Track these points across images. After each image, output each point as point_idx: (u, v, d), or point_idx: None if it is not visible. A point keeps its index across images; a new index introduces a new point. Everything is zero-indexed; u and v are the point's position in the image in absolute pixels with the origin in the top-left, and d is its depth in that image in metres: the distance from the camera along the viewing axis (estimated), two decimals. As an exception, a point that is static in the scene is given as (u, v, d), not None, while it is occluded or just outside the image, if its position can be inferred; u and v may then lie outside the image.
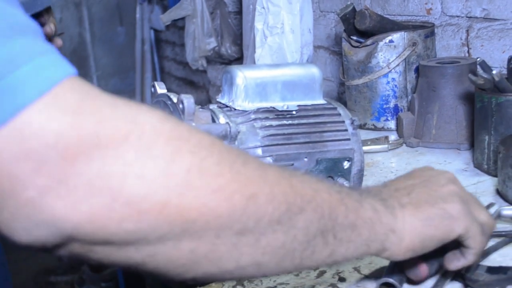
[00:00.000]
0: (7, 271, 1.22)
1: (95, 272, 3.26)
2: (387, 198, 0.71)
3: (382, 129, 1.70)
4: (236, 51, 2.91)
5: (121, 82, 5.19)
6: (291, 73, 1.03)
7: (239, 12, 2.95)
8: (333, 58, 2.37)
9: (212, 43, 2.89)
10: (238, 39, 2.92)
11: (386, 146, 1.51)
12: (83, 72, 5.07)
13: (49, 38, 1.24)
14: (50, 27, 1.23)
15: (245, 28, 2.17)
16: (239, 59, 3.00)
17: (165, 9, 4.44)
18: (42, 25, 1.23)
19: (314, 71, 1.05)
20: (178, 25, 4.03)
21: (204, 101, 3.76)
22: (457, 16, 1.70)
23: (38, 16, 1.21)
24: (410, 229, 0.69)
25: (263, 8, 1.93)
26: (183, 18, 3.16)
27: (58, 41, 1.28)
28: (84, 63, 5.05)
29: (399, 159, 1.46)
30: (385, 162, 1.44)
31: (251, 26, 2.06)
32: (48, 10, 1.23)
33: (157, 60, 4.98)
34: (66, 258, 0.56)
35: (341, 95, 2.28)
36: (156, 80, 4.96)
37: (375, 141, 1.54)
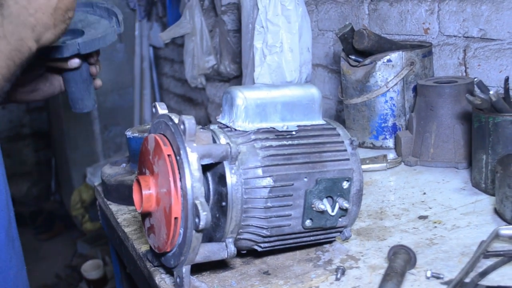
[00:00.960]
0: (26, 278, 1.23)
1: (93, 290, 3.25)
2: None
3: (380, 147, 1.71)
4: (235, 69, 2.92)
5: (120, 98, 5.20)
6: (291, 94, 1.04)
7: (238, 31, 2.98)
8: (332, 76, 2.38)
9: (211, 61, 2.90)
10: (237, 57, 2.94)
11: (384, 164, 1.52)
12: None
13: (94, 78, 1.31)
14: (96, 68, 1.30)
15: (244, 47, 2.19)
16: (238, 77, 3.01)
17: (164, 26, 4.47)
18: (90, 64, 1.29)
19: (313, 91, 1.06)
20: (177, 43, 4.05)
21: (203, 118, 3.77)
22: (455, 36, 1.72)
23: (89, 56, 1.26)
24: None
25: (262, 27, 1.95)
26: (182, 36, 3.18)
27: (98, 81, 1.34)
28: (83, 80, 5.05)
29: (398, 177, 1.47)
30: (383, 181, 1.45)
31: (250, 44, 2.08)
32: (98, 52, 1.29)
33: (155, 76, 5.00)
34: None
35: (339, 113, 2.30)
36: (154, 96, 4.98)
37: (373, 160, 1.55)
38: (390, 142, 1.70)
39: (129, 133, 1.46)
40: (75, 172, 5.25)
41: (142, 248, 1.17)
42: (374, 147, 1.71)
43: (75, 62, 1.23)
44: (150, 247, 1.06)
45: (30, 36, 0.99)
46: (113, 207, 1.43)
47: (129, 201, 1.42)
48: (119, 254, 1.45)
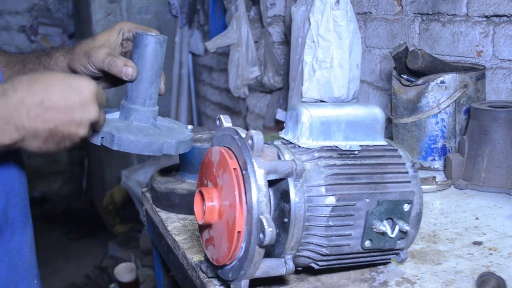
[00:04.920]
0: (35, 286, 1.25)
1: (125, 292, 3.27)
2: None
3: (428, 168, 1.70)
4: (279, 81, 2.93)
5: (157, 103, 5.23)
6: (355, 113, 1.04)
7: (283, 43, 2.99)
8: (376, 93, 2.38)
9: (255, 72, 2.92)
10: (281, 69, 2.95)
11: (434, 186, 1.51)
12: (121, 92, 5.13)
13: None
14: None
15: (292, 60, 2.20)
16: (281, 89, 3.02)
17: (205, 34, 4.51)
18: None
19: (377, 112, 1.06)
20: (218, 51, 4.08)
21: (241, 127, 3.78)
22: (509, 60, 1.71)
23: None
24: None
25: (313, 42, 1.95)
26: (223, 46, 3.20)
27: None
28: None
29: (448, 200, 1.45)
30: (434, 203, 1.44)
31: (299, 58, 2.08)
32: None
33: (193, 83, 5.04)
34: None
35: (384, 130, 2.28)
36: (191, 103, 5.02)
37: (423, 181, 1.54)
38: (438, 164, 1.69)
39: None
40: (108, 174, 5.30)
41: (194, 258, 1.18)
42: (422, 168, 1.70)
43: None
44: (205, 258, 1.07)
45: (14, 132, 0.92)
46: (162, 214, 1.44)
47: (179, 209, 1.44)
48: (166, 261, 1.46)
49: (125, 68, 1.13)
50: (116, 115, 1.18)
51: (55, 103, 0.94)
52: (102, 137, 1.09)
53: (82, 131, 0.98)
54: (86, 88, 0.97)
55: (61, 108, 0.94)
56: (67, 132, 0.97)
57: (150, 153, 1.10)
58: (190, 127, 1.25)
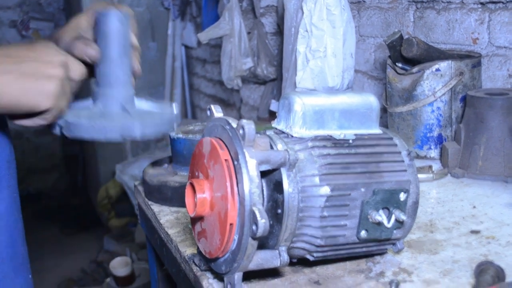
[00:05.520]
0: (30, 281, 1.23)
1: (121, 286, 3.25)
2: None
3: (424, 157, 1.68)
4: (272, 72, 2.91)
5: (150, 97, 5.18)
6: (349, 102, 1.01)
7: (276, 33, 2.96)
8: (371, 83, 2.35)
9: (248, 63, 2.89)
10: (274, 60, 2.92)
11: (431, 175, 1.49)
12: None
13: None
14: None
15: (285, 50, 2.17)
16: (274, 80, 2.99)
17: (197, 26, 4.48)
18: None
19: (371, 100, 1.03)
20: (210, 43, 4.05)
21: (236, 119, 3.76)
22: (505, 47, 1.68)
23: None
24: None
25: (306, 31, 1.93)
26: (216, 37, 3.17)
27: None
28: (115, 77, 5.08)
29: (445, 189, 1.44)
30: (430, 193, 1.42)
31: (293, 48, 2.06)
32: None
33: (186, 76, 5.01)
34: None
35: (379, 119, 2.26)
36: (185, 96, 4.99)
37: (419, 170, 1.52)
38: (434, 153, 1.67)
39: (173, 134, 1.45)
40: (103, 168, 5.27)
41: (187, 251, 1.15)
42: (418, 157, 1.68)
43: None
44: (198, 251, 1.05)
45: None
46: (155, 207, 1.42)
47: (171, 202, 1.42)
48: (159, 255, 1.44)
49: (85, 49, 1.05)
50: (88, 103, 1.10)
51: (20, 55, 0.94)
52: (60, 126, 1.02)
53: (54, 71, 0.94)
54: (56, 56, 0.96)
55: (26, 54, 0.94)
56: (35, 70, 0.92)
57: (107, 138, 1.02)
58: (174, 105, 1.17)
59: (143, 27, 5.09)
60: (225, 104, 4.08)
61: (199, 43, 4.49)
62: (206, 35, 2.94)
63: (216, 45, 3.93)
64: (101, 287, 3.81)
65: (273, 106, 2.93)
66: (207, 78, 4.53)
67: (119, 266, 3.28)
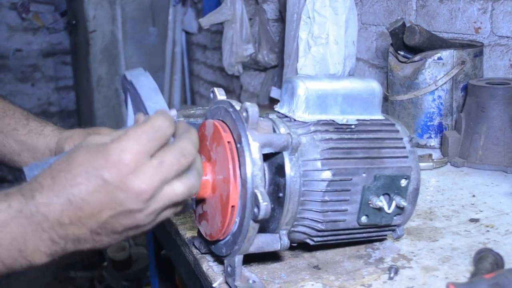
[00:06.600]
0: None
1: (118, 270, 3.26)
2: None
3: (424, 146, 1.68)
4: (274, 58, 2.90)
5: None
6: (352, 87, 1.01)
7: (278, 20, 2.95)
8: (372, 71, 2.35)
9: (249, 49, 2.88)
10: (275, 46, 2.91)
11: (431, 164, 1.50)
12: (113, 70, 5.09)
13: None
14: None
15: (287, 37, 2.16)
16: (275, 67, 2.99)
17: (198, 12, 4.46)
18: None
19: (374, 85, 1.03)
20: (211, 29, 4.04)
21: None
22: (507, 37, 1.68)
23: None
24: None
25: (309, 17, 1.92)
26: (218, 23, 3.16)
27: None
28: (114, 61, 5.08)
29: (444, 178, 1.44)
30: (430, 181, 1.43)
31: (295, 35, 2.05)
32: None
33: (186, 62, 4.99)
34: None
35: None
36: (184, 81, 4.98)
37: (419, 159, 1.52)
38: (434, 142, 1.67)
39: (174, 117, 1.44)
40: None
41: (187, 234, 1.16)
42: (418, 145, 1.68)
43: None
44: (198, 233, 1.05)
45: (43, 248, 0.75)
46: (155, 190, 1.42)
47: (171, 185, 1.41)
48: (158, 238, 1.44)
49: None
50: None
51: (84, 197, 0.70)
52: None
53: (145, 218, 0.74)
54: (115, 155, 0.70)
55: (92, 201, 0.70)
56: (121, 225, 0.73)
57: None
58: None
59: (143, 12, 5.08)
60: (225, 91, 4.05)
61: (199, 29, 4.47)
62: (207, 21, 2.93)
63: (217, 31, 3.92)
64: (98, 271, 3.82)
65: (274, 93, 2.92)
66: (207, 64, 4.52)
67: (116, 250, 3.29)
